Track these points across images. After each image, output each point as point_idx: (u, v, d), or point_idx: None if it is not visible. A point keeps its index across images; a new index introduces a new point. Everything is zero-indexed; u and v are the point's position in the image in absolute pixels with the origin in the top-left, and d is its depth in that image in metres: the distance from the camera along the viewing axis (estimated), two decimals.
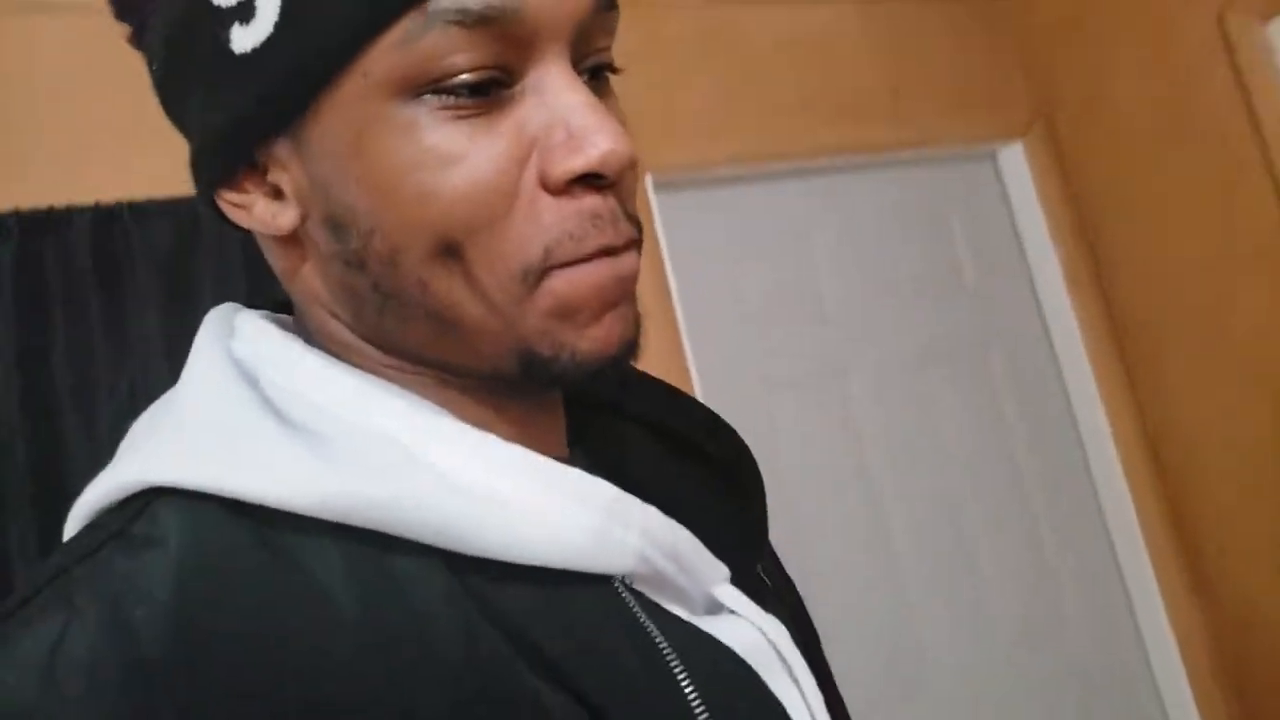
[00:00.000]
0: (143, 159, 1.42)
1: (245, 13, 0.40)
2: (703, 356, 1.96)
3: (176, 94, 0.44)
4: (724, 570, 0.46)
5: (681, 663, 0.41)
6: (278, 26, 0.39)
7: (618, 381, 0.45)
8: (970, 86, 2.33)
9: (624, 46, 1.97)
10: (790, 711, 0.44)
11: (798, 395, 2.06)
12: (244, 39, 0.40)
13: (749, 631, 0.45)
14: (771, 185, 2.13)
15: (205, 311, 0.48)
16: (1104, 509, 2.26)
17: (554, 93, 0.41)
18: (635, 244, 0.44)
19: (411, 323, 0.42)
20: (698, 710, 0.40)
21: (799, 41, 2.18)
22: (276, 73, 0.40)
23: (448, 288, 0.41)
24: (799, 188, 2.16)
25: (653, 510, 0.43)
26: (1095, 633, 2.20)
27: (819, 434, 2.06)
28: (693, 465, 0.54)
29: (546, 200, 0.41)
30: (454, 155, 0.39)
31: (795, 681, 0.46)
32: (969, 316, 2.27)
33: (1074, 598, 2.19)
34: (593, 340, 0.42)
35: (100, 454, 0.81)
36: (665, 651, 0.41)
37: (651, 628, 0.42)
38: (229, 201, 0.44)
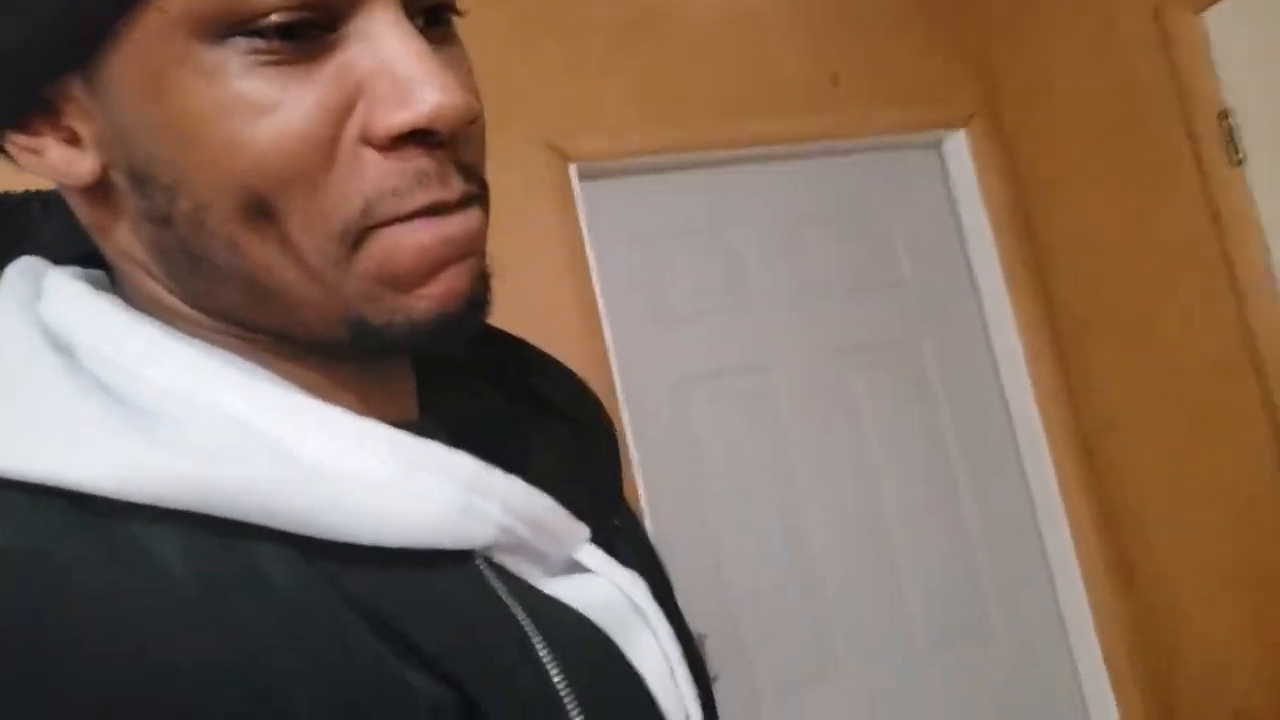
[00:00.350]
0: None
1: None
2: (624, 347, 1.94)
3: None
4: (584, 531, 0.45)
5: (545, 641, 0.40)
6: None
7: (464, 342, 0.42)
8: (912, 74, 2.29)
9: (548, 29, 1.93)
10: (647, 669, 0.44)
11: (719, 388, 2.04)
12: None
13: (607, 590, 0.45)
14: (700, 174, 2.10)
15: None
16: (1034, 503, 2.25)
17: (380, 39, 0.37)
18: (474, 200, 0.40)
19: (226, 287, 0.39)
20: (562, 690, 0.40)
21: (732, 25, 2.14)
22: (57, 2, 0.36)
23: (261, 251, 0.37)
24: (729, 177, 2.13)
25: (514, 480, 0.42)
26: (1019, 629, 2.19)
27: (740, 428, 2.04)
28: (544, 420, 0.52)
29: (370, 156, 0.37)
30: (264, 104, 0.36)
31: (654, 634, 0.45)
32: (903, 309, 2.24)
33: (999, 595, 2.19)
34: (428, 300, 0.39)
35: None
36: (530, 631, 0.40)
37: (514, 606, 0.41)
38: (17, 145, 0.40)
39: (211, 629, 0.34)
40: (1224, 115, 1.92)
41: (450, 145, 0.39)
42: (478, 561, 0.41)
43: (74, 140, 0.39)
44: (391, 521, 0.38)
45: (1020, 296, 2.26)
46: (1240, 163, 1.91)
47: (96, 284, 0.42)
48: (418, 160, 0.38)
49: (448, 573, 0.40)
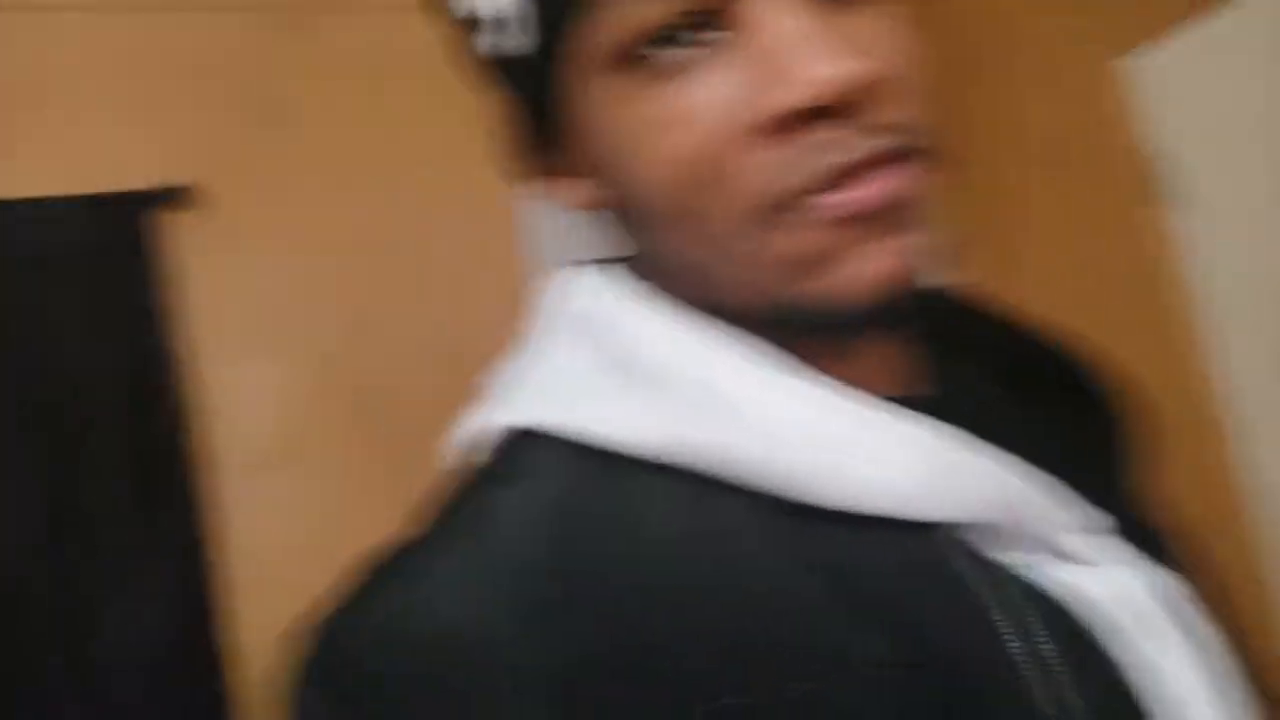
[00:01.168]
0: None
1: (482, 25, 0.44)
2: None
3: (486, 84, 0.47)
4: (1073, 519, 0.44)
5: (1013, 627, 0.40)
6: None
7: (910, 313, 0.42)
8: None
9: None
10: (1154, 676, 0.41)
11: None
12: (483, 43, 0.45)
13: (1103, 583, 0.43)
14: None
15: None
16: None
17: (763, 25, 0.38)
18: (891, 159, 0.39)
19: (678, 278, 0.44)
20: (1027, 674, 0.39)
21: None
22: (519, 67, 0.43)
23: (692, 246, 0.41)
24: None
25: (995, 460, 0.42)
26: None
27: None
28: (1044, 402, 0.52)
29: (765, 139, 0.38)
30: (664, 120, 0.39)
31: (1163, 640, 0.42)
32: None
33: None
34: (837, 284, 0.40)
35: None
36: (991, 609, 0.40)
37: (981, 586, 0.40)
38: (552, 183, 0.47)
39: (685, 571, 0.39)
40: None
41: (853, 111, 0.38)
42: (947, 537, 0.41)
43: (571, 172, 0.46)
44: (856, 486, 0.40)
45: None
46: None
47: (618, 276, 0.47)
48: (813, 134, 0.38)
49: (912, 544, 0.40)
